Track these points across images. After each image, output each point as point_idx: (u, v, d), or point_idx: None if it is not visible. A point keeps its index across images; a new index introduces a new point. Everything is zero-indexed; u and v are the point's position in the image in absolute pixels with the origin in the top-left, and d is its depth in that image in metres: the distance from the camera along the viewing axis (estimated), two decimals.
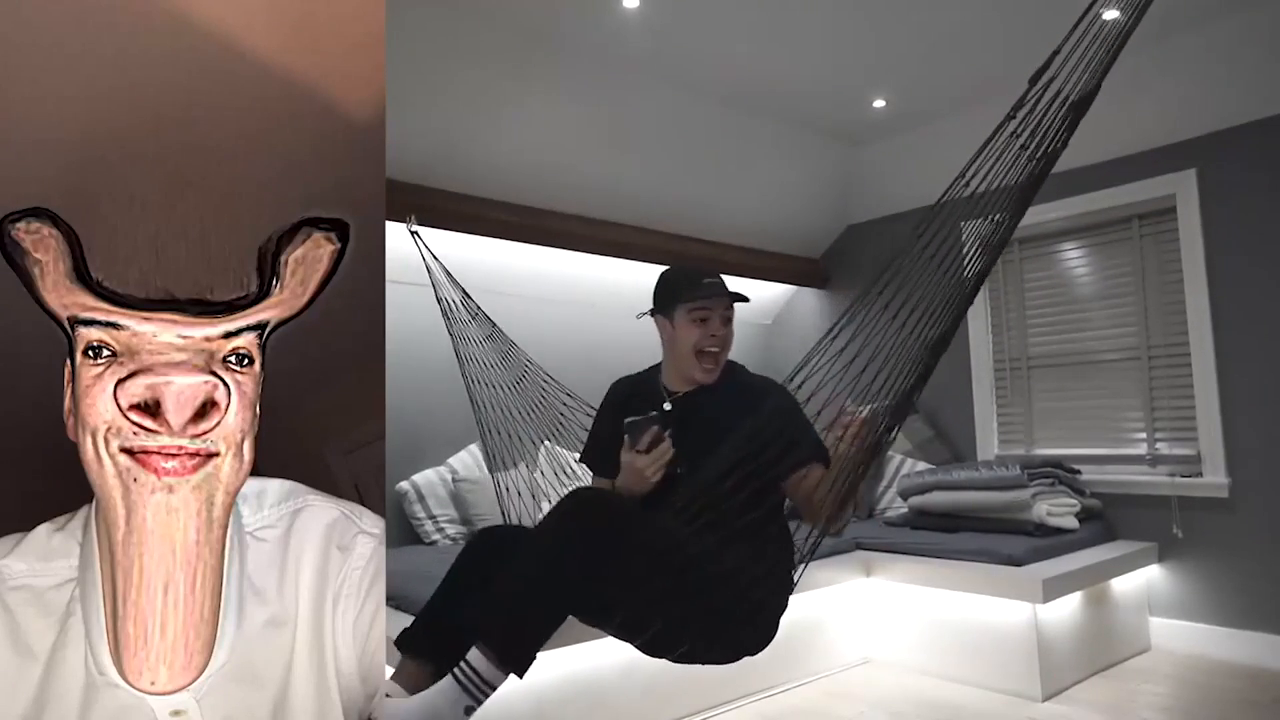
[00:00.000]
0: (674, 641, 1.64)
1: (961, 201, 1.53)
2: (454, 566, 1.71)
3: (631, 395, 2.02)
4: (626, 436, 1.80)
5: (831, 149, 4.29)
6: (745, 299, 1.93)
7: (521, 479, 2.67)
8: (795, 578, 1.82)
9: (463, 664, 1.38)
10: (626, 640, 1.71)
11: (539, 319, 3.75)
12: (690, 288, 1.92)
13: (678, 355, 1.93)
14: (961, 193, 1.51)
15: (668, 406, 1.92)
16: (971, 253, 1.57)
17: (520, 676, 1.41)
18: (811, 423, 1.74)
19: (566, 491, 1.82)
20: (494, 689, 1.40)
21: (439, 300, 2.66)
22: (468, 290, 2.68)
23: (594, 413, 2.16)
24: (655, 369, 2.06)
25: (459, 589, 1.67)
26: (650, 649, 1.69)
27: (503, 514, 2.68)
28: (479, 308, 2.65)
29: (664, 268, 2.10)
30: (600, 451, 2.02)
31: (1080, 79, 1.42)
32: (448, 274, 2.67)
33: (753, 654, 1.74)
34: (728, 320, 1.91)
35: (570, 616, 1.54)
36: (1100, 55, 1.41)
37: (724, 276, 1.96)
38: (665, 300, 1.95)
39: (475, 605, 1.56)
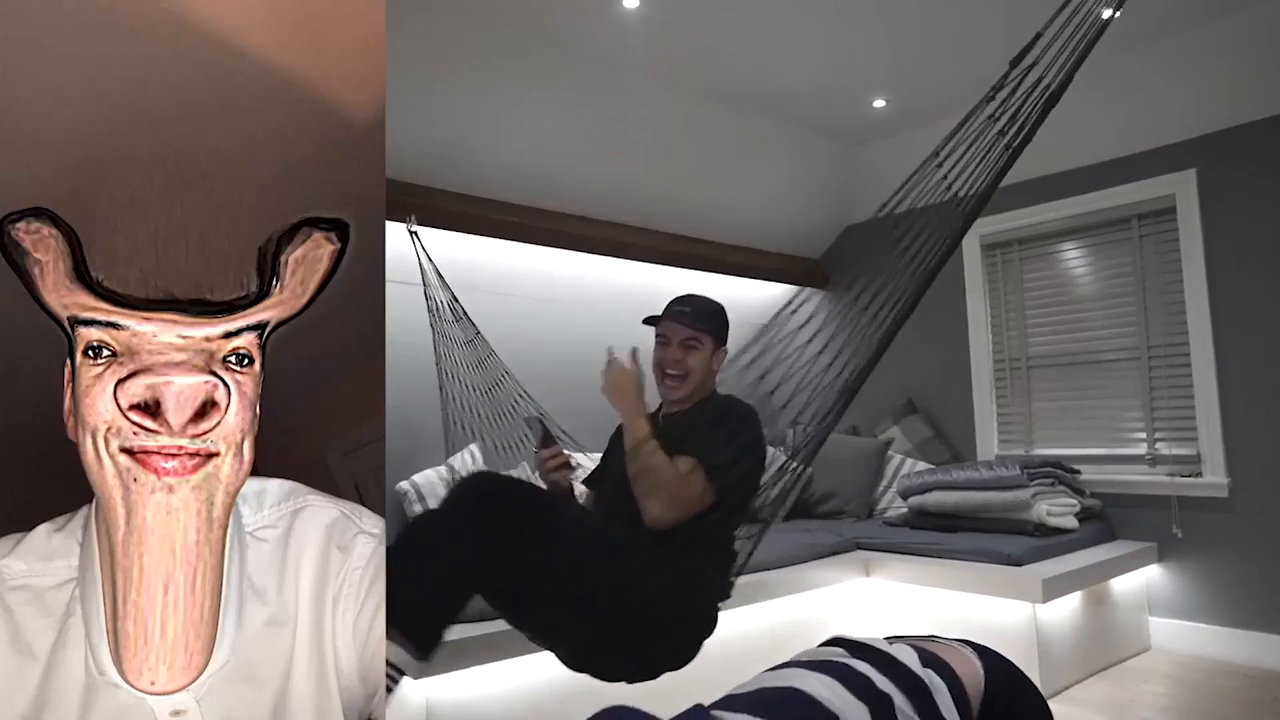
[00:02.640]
0: (588, 649, 1.69)
1: (935, 192, 1.54)
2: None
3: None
4: (529, 430, 1.92)
5: (831, 149, 4.29)
6: (700, 333, 1.90)
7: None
8: (725, 592, 1.81)
9: None
10: (545, 645, 1.75)
11: (539, 319, 3.75)
12: (660, 313, 1.96)
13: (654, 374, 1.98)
14: (938, 183, 1.52)
15: (659, 422, 1.94)
16: (939, 240, 1.58)
17: (424, 658, 1.42)
18: (731, 439, 1.75)
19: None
20: (401, 672, 1.41)
21: (427, 298, 2.69)
22: (457, 294, 2.71)
23: (563, 434, 2.20)
24: None
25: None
26: (569, 659, 1.74)
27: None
28: (464, 312, 2.67)
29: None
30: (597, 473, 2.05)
31: (1060, 68, 1.42)
32: (439, 276, 2.69)
33: (672, 669, 1.74)
34: (689, 347, 1.91)
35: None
36: (1080, 45, 1.41)
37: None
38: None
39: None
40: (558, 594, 1.59)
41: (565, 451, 1.89)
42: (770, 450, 1.89)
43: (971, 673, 1.00)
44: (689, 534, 1.67)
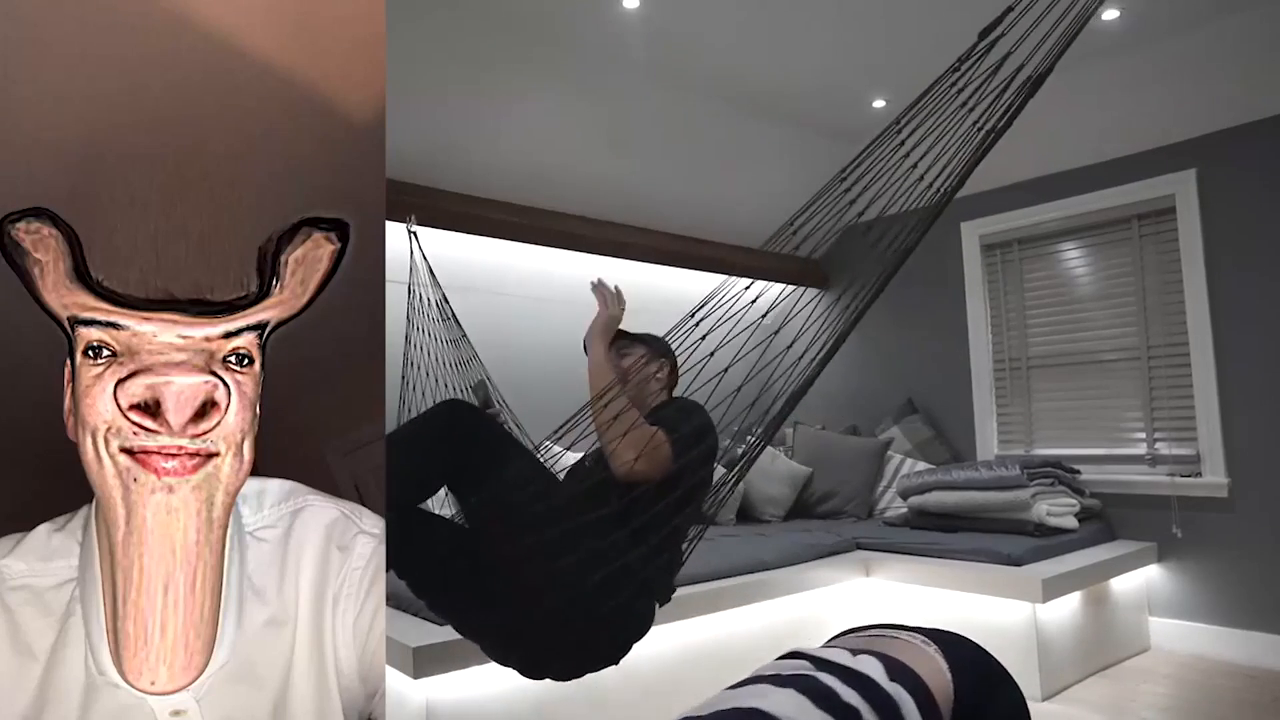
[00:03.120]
0: (511, 633, 1.63)
1: (894, 159, 1.49)
2: None
3: None
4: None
5: (831, 149, 4.28)
6: (625, 338, 2.00)
7: None
8: (665, 590, 1.75)
9: None
10: (471, 635, 1.71)
11: (539, 318, 3.75)
12: None
13: None
14: (900, 159, 1.47)
15: None
16: (909, 230, 1.54)
17: None
18: (684, 420, 1.76)
19: None
20: None
21: (410, 292, 2.70)
22: (448, 294, 2.72)
23: (536, 448, 2.20)
24: None
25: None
26: (494, 649, 1.69)
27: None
28: (453, 312, 2.68)
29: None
30: None
31: (1040, 54, 1.37)
32: (431, 274, 2.70)
33: (595, 669, 1.66)
34: (622, 354, 1.99)
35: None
36: (1060, 30, 1.37)
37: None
38: None
39: None
40: (495, 547, 1.56)
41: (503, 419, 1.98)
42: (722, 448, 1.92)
43: (939, 677, 0.97)
44: (642, 510, 1.60)
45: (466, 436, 1.61)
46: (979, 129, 1.39)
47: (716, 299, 1.64)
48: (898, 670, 0.93)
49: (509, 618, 1.60)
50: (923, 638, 1.07)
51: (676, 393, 2.01)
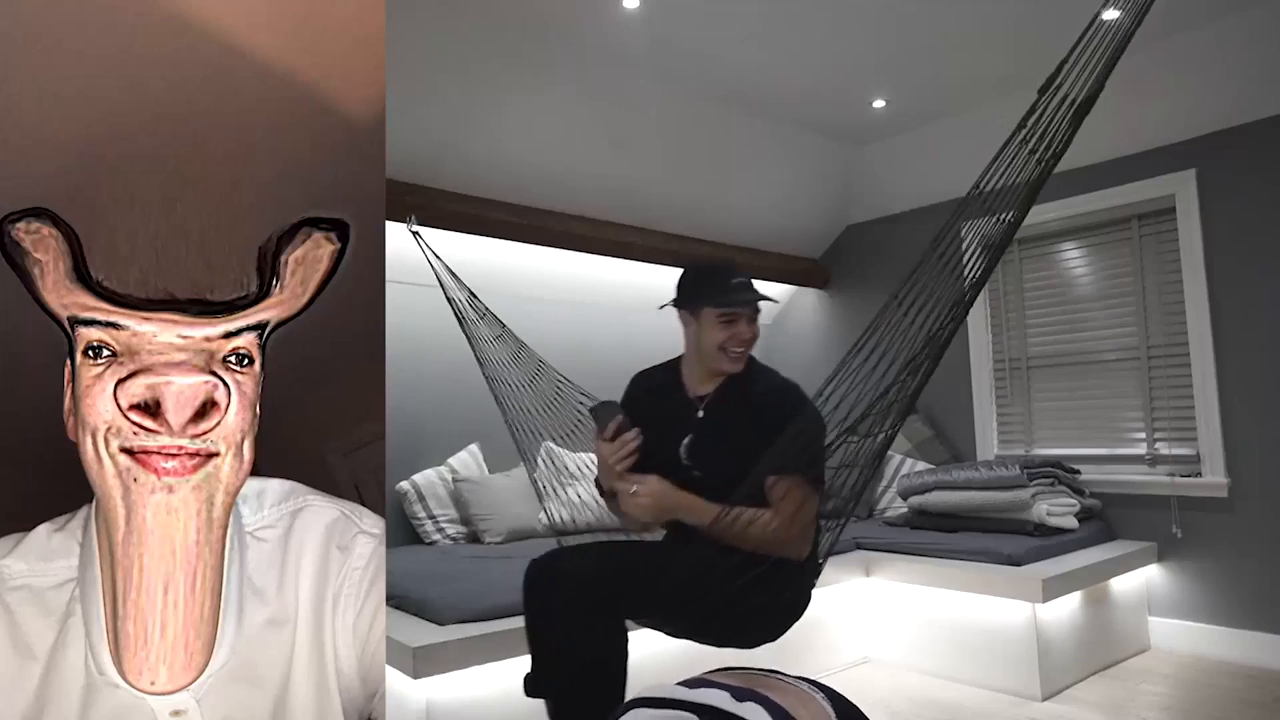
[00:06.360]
0: (695, 632, 1.90)
1: (970, 203, 1.56)
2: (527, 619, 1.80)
3: (654, 394, 1.99)
4: (594, 421, 1.85)
5: (831, 149, 4.29)
6: (771, 299, 1.96)
7: (543, 476, 2.69)
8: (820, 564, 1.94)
9: None
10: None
11: (539, 319, 3.74)
12: (720, 291, 1.88)
13: (702, 351, 1.90)
14: (972, 195, 1.54)
15: (701, 414, 1.92)
16: (977, 255, 1.60)
17: None
18: (818, 438, 1.71)
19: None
20: None
21: (449, 300, 2.63)
22: (473, 290, 2.65)
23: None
24: (676, 364, 2.01)
25: (537, 632, 1.77)
26: (682, 635, 1.93)
27: (544, 510, 2.82)
28: (486, 308, 2.60)
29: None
30: None
31: (1085, 82, 1.43)
32: (452, 274, 2.64)
33: (772, 639, 1.91)
34: (754, 319, 1.90)
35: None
36: (1104, 57, 1.42)
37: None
38: (692, 297, 1.91)
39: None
40: (663, 619, 1.86)
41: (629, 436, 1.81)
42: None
43: (815, 711, 0.91)
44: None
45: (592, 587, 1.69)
46: (1040, 163, 1.47)
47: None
48: (748, 693, 0.87)
49: (692, 623, 1.86)
50: (808, 684, 1.03)
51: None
